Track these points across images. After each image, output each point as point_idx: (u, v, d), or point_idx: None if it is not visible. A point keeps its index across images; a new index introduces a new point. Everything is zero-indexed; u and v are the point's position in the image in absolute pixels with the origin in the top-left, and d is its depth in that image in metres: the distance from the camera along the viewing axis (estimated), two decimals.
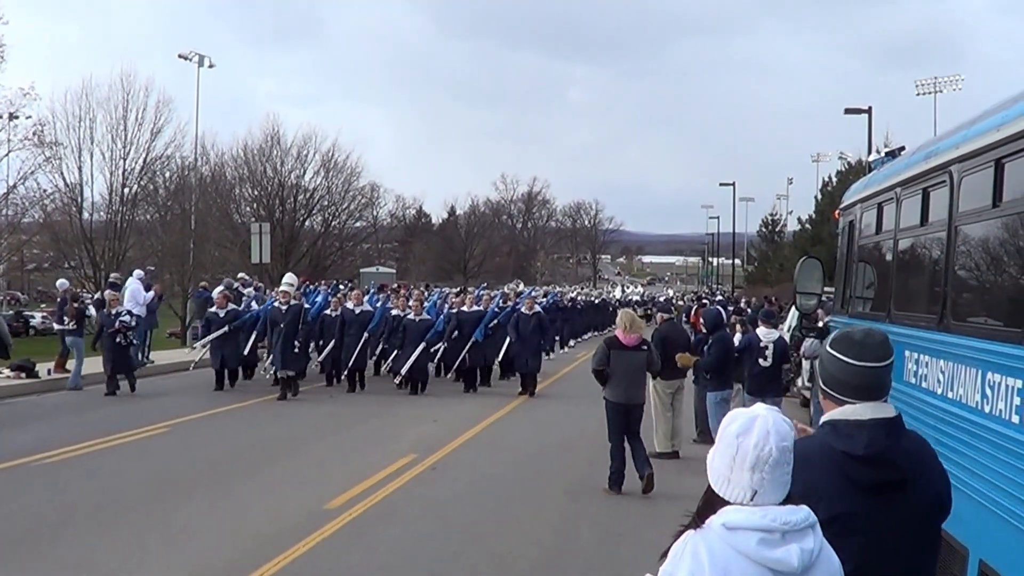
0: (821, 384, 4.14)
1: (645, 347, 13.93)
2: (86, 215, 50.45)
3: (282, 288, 24.62)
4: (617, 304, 68.68)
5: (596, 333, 52.65)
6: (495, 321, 26.59)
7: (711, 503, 3.26)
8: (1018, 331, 5.46)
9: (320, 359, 26.04)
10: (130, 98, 50.46)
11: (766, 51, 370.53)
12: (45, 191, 47.26)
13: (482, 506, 12.96)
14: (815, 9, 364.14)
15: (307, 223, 71.34)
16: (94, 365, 23.82)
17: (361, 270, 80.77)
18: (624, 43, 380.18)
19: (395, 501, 12.93)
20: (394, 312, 25.71)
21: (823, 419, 4.08)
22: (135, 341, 24.18)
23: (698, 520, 3.25)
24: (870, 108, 45.58)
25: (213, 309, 25.78)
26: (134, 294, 26.91)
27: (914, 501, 3.92)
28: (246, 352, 25.56)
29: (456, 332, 25.94)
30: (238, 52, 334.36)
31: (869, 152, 43.86)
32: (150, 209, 55.60)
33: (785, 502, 3.22)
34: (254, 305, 27.13)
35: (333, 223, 74.08)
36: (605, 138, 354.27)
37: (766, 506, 3.17)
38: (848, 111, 46.64)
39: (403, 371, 24.41)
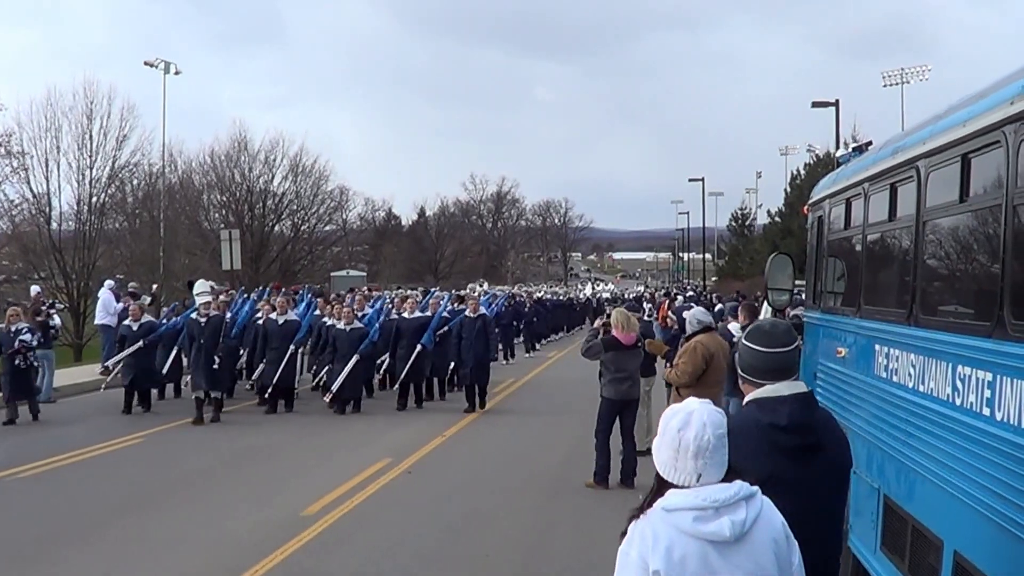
0: (740, 372, 4.78)
1: (640, 345, 14.15)
2: (55, 225, 50.37)
3: (201, 300, 21.30)
4: (586, 303, 68.69)
5: (565, 334, 52.02)
6: (445, 328, 23.36)
7: (661, 488, 3.75)
8: (987, 324, 5.51)
9: (254, 377, 22.92)
10: (94, 107, 50.56)
11: (733, 45, 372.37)
12: (12, 202, 47.16)
13: (459, 508, 12.98)
14: (782, 1, 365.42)
15: (276, 228, 71.10)
16: (67, 377, 23.63)
17: (332, 274, 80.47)
18: (590, 39, 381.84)
19: (371, 505, 12.94)
20: (327, 322, 22.85)
21: (748, 398, 4.70)
22: (36, 363, 21.23)
23: (646, 505, 3.74)
24: (837, 101, 45.80)
25: (127, 322, 22.50)
26: (105, 304, 26.67)
27: (827, 461, 4.62)
28: (165, 370, 22.61)
29: (397, 343, 22.87)
30: (199, 57, 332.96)
31: (837, 144, 44.31)
32: (119, 218, 55.47)
33: (726, 476, 3.72)
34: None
35: (303, 227, 73.89)
36: (573, 135, 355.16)
37: (701, 487, 3.66)
38: (815, 104, 46.80)
39: (333, 388, 21.35)
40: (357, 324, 22.20)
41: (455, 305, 26.82)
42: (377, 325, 22.95)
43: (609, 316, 14.48)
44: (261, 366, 22.14)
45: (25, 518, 12.37)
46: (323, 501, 12.94)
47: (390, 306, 25.80)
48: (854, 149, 10.17)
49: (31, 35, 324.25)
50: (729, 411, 15.24)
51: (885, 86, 68.50)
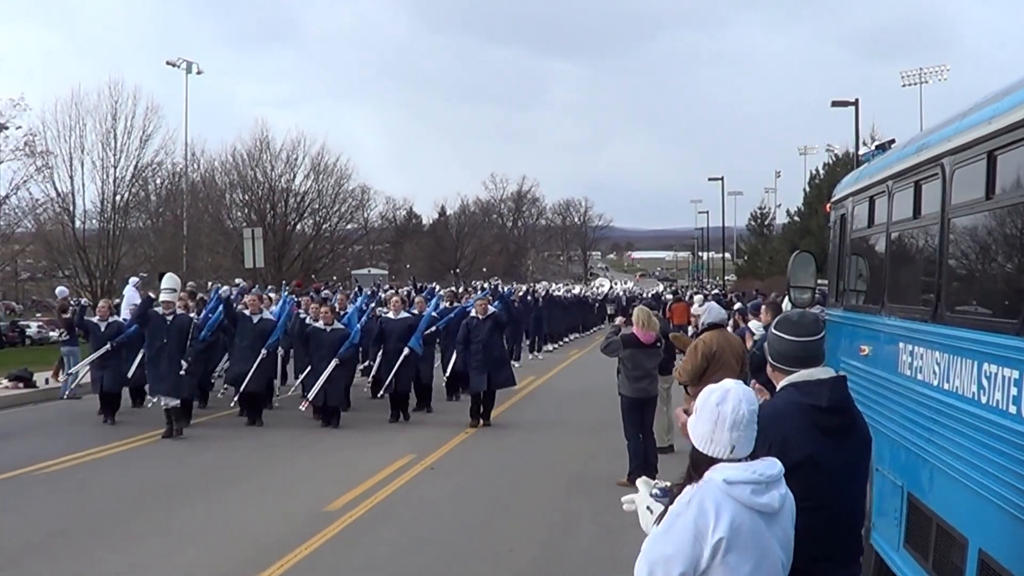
0: (770, 360, 4.95)
1: (660, 344, 14.18)
2: (79, 224, 50.65)
3: (163, 297, 18.98)
4: (604, 301, 68.28)
5: (579, 335, 50.59)
6: (432, 328, 21.22)
7: (698, 461, 4.03)
8: (1013, 322, 5.51)
9: (225, 384, 21.33)
10: (119, 106, 50.84)
11: (751, 44, 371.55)
12: (37, 201, 47.42)
13: (482, 503, 13.05)
14: (799, 1, 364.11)
15: (298, 227, 71.23)
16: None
17: (353, 272, 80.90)
18: (607, 38, 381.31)
19: (395, 501, 13.00)
20: (307, 321, 21.00)
21: (783, 383, 4.84)
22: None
23: (694, 475, 4.01)
24: (857, 100, 45.54)
25: (95, 320, 20.69)
26: (130, 301, 26.73)
27: (856, 441, 4.83)
28: (130, 374, 20.45)
29: (382, 346, 20.80)
30: (217, 55, 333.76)
31: (856, 144, 44.19)
32: (142, 216, 55.69)
33: (752, 455, 4.02)
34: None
35: (324, 226, 73.93)
36: (592, 134, 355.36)
37: (751, 463, 3.98)
38: (835, 103, 46.54)
39: (310, 396, 19.26)
40: (337, 325, 20.12)
41: (450, 304, 24.77)
42: (358, 326, 20.61)
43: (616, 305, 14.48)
44: (226, 365, 20.99)
45: (49, 513, 12.45)
46: (347, 496, 12.99)
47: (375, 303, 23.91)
48: (877, 147, 10.13)
49: (55, 36, 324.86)
50: None
51: (904, 86, 68.31)
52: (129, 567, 10.10)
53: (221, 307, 20.66)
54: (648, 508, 4.46)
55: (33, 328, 55.54)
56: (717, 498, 3.87)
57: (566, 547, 10.98)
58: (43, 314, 62.73)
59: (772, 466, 4.00)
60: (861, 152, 11.81)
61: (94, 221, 51.70)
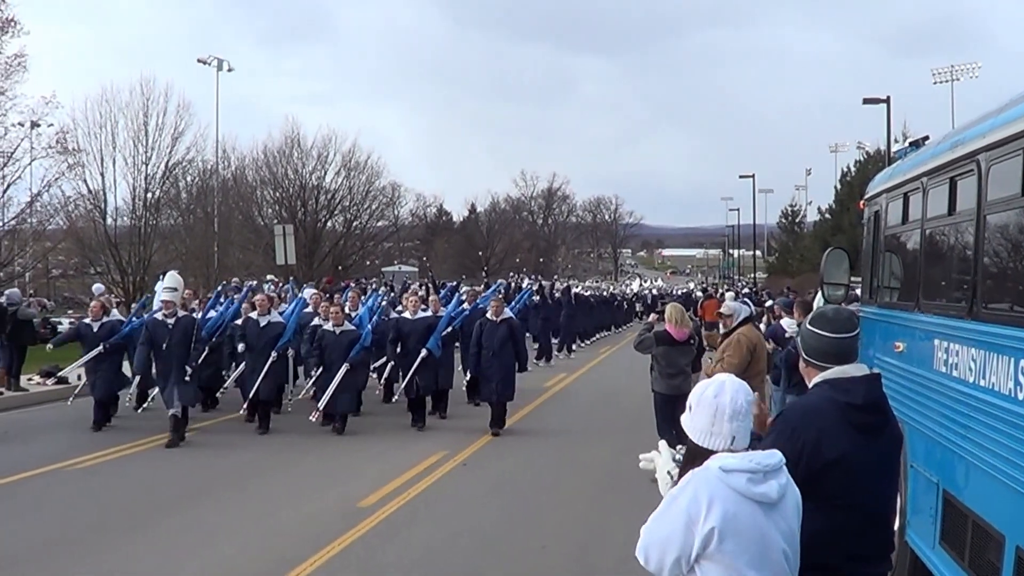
0: (804, 356, 4.95)
1: (693, 341, 14.20)
2: (110, 221, 50.98)
3: (164, 296, 17.80)
4: (634, 299, 68.15)
5: (607, 332, 50.14)
6: (449, 328, 19.99)
7: (694, 455, 4.08)
8: None
9: (227, 384, 20.33)
10: (150, 103, 51.20)
11: (782, 41, 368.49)
12: (69, 198, 47.73)
13: (514, 500, 13.08)
14: None
15: (329, 224, 71.39)
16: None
17: (383, 269, 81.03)
18: (636, 35, 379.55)
19: (428, 497, 13.03)
20: (314, 322, 19.67)
21: (816, 380, 4.83)
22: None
23: (690, 466, 4.06)
24: (888, 98, 45.26)
25: (87, 321, 19.60)
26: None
27: (888, 438, 4.84)
28: (136, 377, 19.27)
29: (400, 347, 19.51)
30: (251, 53, 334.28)
31: (888, 141, 43.96)
32: (173, 213, 55.97)
33: (784, 452, 4.11)
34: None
35: (355, 223, 74.09)
36: (621, 132, 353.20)
37: (750, 452, 4.03)
38: (867, 101, 46.29)
39: (320, 405, 18.02)
40: (348, 326, 18.86)
41: (469, 304, 22.84)
42: (369, 327, 19.44)
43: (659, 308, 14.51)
44: (240, 370, 19.37)
45: (81, 508, 12.55)
46: (380, 493, 13.04)
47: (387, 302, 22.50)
48: (911, 144, 10.09)
49: (85, 32, 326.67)
50: (773, 403, 15.26)
51: (935, 83, 68.06)
52: (163, 563, 10.16)
53: (221, 306, 20.24)
54: (669, 473, 4.50)
55: (64, 325, 55.78)
56: (712, 487, 3.90)
57: (600, 544, 10.99)
58: (74, 311, 63.06)
59: (771, 456, 4.04)
60: (894, 149, 11.74)
61: (125, 218, 52.10)
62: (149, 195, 51.30)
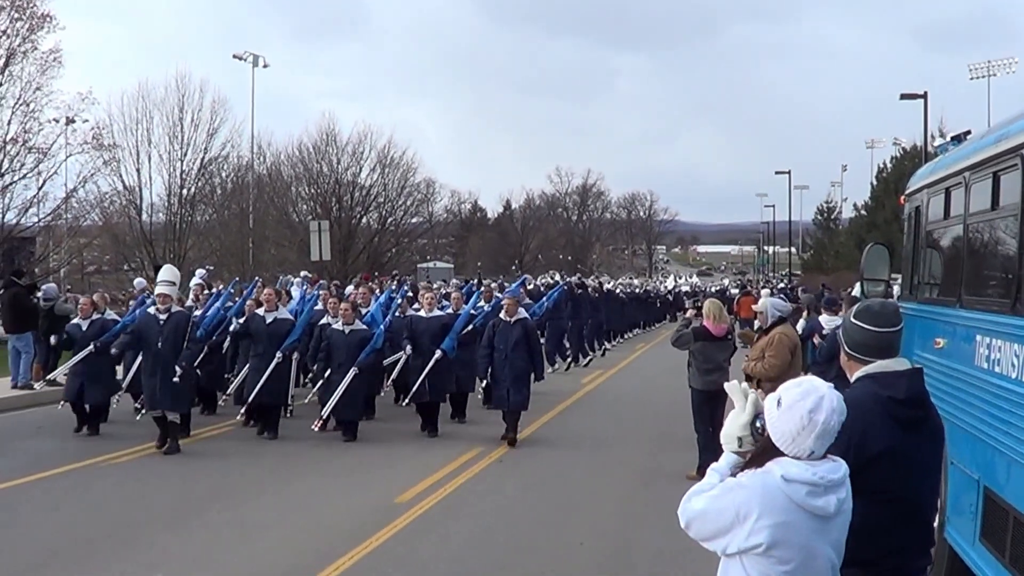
0: (846, 349, 4.91)
1: (730, 337, 14.20)
2: (145, 217, 51.20)
3: (160, 289, 16.37)
4: (667, 296, 67.83)
5: (640, 330, 49.43)
6: (469, 327, 18.43)
7: (767, 451, 4.02)
8: None
9: (229, 390, 18.49)
10: (185, 99, 51.27)
11: (817, 37, 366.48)
12: (104, 194, 47.98)
13: (551, 496, 13.05)
14: None
15: (364, 220, 71.43)
16: None
17: (418, 265, 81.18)
18: (672, 30, 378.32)
19: (464, 494, 13.05)
20: (323, 321, 18.12)
21: (859, 374, 4.81)
22: None
23: (758, 461, 4.01)
24: (925, 93, 44.98)
25: (75, 321, 18.30)
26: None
27: (930, 433, 4.83)
28: (126, 379, 18.08)
29: (412, 348, 17.87)
30: (286, 49, 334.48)
31: (925, 137, 43.73)
32: (208, 209, 56.16)
33: (830, 447, 4.01)
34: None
35: (389, 220, 74.12)
36: (656, 127, 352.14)
37: (815, 463, 3.94)
38: (904, 96, 46.01)
39: (324, 413, 16.84)
40: (359, 325, 17.57)
41: (486, 301, 20.85)
42: (382, 327, 18.21)
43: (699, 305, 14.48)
44: (243, 374, 17.84)
45: (121, 502, 12.61)
46: (415, 489, 13.05)
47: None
48: (952, 139, 10.02)
49: (120, 29, 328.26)
50: None
51: (972, 79, 67.56)
52: (200, 557, 10.19)
53: (220, 303, 19.07)
54: (740, 438, 4.20)
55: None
56: (768, 497, 3.89)
57: (637, 541, 10.97)
58: (113, 307, 63.50)
59: (836, 470, 3.99)
60: (932, 145, 11.68)
61: (160, 214, 52.31)
62: (184, 191, 51.48)
